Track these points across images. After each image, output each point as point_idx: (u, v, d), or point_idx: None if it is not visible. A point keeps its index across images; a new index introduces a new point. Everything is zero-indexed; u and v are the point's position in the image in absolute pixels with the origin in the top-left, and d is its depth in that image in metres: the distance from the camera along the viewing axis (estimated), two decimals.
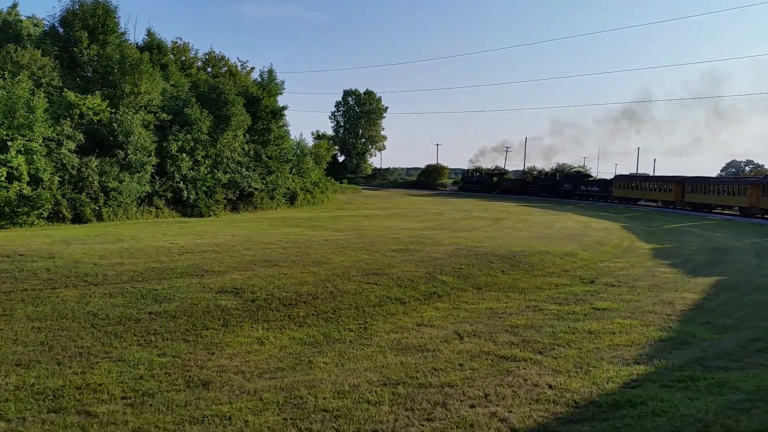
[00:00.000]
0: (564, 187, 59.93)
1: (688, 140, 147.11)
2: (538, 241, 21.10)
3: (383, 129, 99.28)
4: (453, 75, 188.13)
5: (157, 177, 27.18)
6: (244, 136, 32.57)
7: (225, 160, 30.37)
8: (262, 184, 33.52)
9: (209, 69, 42.60)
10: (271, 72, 40.04)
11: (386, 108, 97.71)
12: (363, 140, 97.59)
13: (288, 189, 37.66)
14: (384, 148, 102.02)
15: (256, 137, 34.83)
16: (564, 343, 8.24)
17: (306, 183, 42.19)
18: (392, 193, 69.20)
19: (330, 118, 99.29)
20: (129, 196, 24.91)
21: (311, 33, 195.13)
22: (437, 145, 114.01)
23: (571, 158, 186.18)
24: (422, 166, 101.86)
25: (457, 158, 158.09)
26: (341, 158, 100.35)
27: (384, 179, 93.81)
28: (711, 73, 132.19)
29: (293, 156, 39.31)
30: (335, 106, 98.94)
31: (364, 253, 16.13)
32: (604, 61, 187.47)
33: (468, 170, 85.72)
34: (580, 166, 73.07)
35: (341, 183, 69.80)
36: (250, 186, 31.88)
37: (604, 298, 11.68)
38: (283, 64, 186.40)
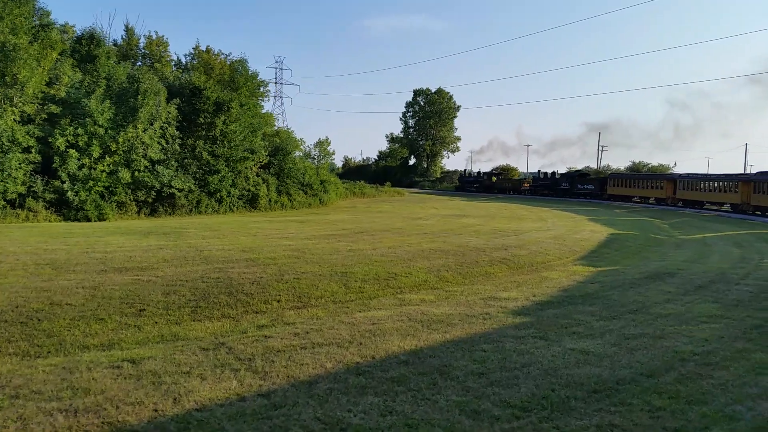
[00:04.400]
0: (562, 186, 62.07)
1: None
2: (431, 257, 14.38)
3: (456, 129, 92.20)
4: (538, 60, 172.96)
5: (38, 176, 24.27)
6: (166, 130, 28.70)
7: (137, 157, 26.77)
8: (194, 184, 29.48)
9: (185, 62, 39.97)
10: (241, 62, 36.21)
11: (459, 107, 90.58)
12: (432, 142, 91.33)
13: (247, 191, 33.38)
14: (458, 149, 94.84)
15: (199, 132, 30.99)
16: None
17: (289, 185, 37.66)
18: (438, 198, 62.13)
19: (400, 119, 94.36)
20: None
21: (437, 41, 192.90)
22: (527, 145, 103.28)
23: (698, 149, 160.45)
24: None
25: (546, 157, 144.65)
26: (412, 161, 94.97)
27: (452, 182, 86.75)
28: None
29: (264, 156, 34.95)
30: (405, 106, 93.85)
31: (56, 273, 11.09)
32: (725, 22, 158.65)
33: (465, 170, 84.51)
34: (660, 164, 61.26)
35: (382, 186, 64.52)
36: (169, 186, 27.95)
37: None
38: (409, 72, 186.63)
